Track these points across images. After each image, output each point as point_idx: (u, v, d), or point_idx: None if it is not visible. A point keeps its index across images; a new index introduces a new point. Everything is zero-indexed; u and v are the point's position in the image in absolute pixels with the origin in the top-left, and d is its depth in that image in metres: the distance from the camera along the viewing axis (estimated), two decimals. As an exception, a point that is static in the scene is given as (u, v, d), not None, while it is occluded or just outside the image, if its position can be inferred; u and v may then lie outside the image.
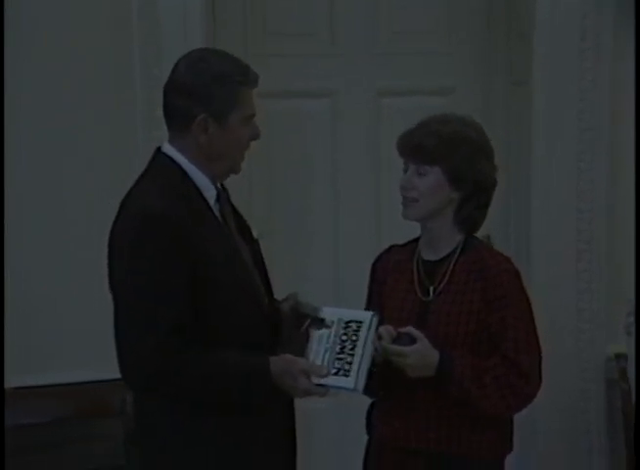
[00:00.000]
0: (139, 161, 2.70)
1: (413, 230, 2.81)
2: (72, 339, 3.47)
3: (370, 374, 2.49)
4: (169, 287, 2.37)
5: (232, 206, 2.66)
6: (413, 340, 2.55)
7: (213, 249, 2.44)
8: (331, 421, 3.97)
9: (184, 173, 2.50)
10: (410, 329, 2.57)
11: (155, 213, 2.39)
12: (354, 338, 2.47)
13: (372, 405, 2.84)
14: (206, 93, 2.44)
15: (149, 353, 2.36)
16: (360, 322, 2.49)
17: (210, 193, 2.53)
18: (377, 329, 2.51)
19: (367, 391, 2.71)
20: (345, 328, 2.50)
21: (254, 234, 2.70)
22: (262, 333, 2.52)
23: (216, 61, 2.50)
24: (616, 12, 3.64)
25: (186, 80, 2.47)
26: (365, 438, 2.85)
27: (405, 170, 2.70)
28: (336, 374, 2.44)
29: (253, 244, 2.66)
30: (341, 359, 2.45)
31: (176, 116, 2.50)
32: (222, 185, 2.64)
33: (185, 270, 2.39)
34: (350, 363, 2.44)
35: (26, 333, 3.46)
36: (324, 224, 3.99)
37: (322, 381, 2.42)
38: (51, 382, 3.46)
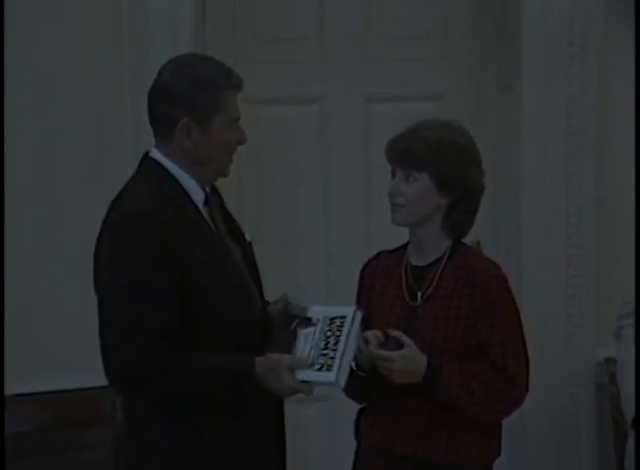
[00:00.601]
0: (132, 163, 2.71)
1: (404, 234, 2.80)
2: (65, 345, 3.48)
3: (353, 370, 2.50)
4: (157, 288, 2.37)
5: (223, 208, 2.66)
6: (400, 345, 2.56)
7: (203, 252, 2.44)
8: (320, 427, 3.95)
9: (171, 177, 2.50)
10: (399, 333, 2.57)
11: (142, 215, 2.39)
12: (338, 333, 2.46)
13: (360, 411, 2.83)
14: (188, 98, 2.45)
15: (134, 354, 2.35)
16: (344, 318, 2.48)
17: (198, 196, 2.53)
18: (361, 323, 2.49)
19: (355, 396, 2.74)
20: (330, 325, 2.49)
21: (247, 237, 2.71)
22: (254, 336, 2.52)
23: (199, 65, 2.50)
24: (604, 17, 3.65)
25: (168, 85, 2.48)
26: (354, 444, 2.84)
27: (393, 176, 2.71)
28: (319, 370, 2.42)
29: (245, 246, 2.66)
30: (324, 355, 2.44)
31: (160, 121, 2.51)
32: (215, 189, 2.65)
33: (173, 272, 2.39)
34: (333, 358, 2.42)
35: (17, 340, 3.45)
36: (314, 229, 3.98)
37: (305, 376, 2.40)
38: (43, 389, 3.46)
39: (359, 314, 2.49)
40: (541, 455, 3.78)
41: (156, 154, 2.53)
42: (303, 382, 2.41)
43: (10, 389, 3.37)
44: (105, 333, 2.44)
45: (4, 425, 2.97)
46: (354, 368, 2.52)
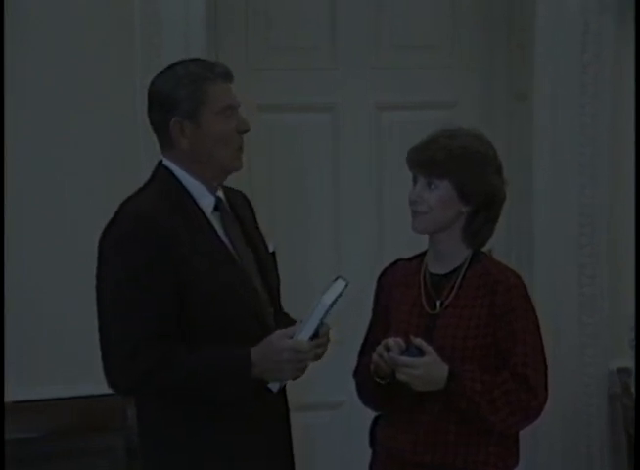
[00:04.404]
0: (142, 170, 2.71)
1: (414, 240, 2.79)
2: (74, 352, 3.45)
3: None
4: (150, 290, 2.38)
5: (239, 216, 2.66)
6: (422, 352, 2.55)
7: (201, 258, 2.44)
8: (333, 435, 3.95)
9: (179, 183, 2.52)
10: (420, 341, 2.56)
11: (142, 217, 2.42)
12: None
13: (375, 419, 2.82)
14: (173, 97, 2.50)
15: (128, 359, 2.37)
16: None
17: (207, 201, 2.55)
18: (340, 294, 2.45)
19: (373, 404, 2.75)
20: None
21: (270, 247, 2.72)
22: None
23: (180, 66, 2.56)
24: (616, 25, 3.66)
25: (153, 92, 2.55)
26: (368, 452, 2.83)
27: (414, 184, 2.70)
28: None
29: (262, 255, 2.65)
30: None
31: (158, 128, 2.56)
32: (246, 198, 2.72)
33: (168, 277, 2.40)
34: None
35: (27, 346, 3.45)
36: (325, 235, 3.98)
37: None
38: (53, 396, 3.45)
39: (341, 284, 2.46)
40: (553, 464, 3.79)
41: (166, 161, 2.56)
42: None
43: (18, 395, 3.37)
44: (101, 337, 2.46)
45: (4, 431, 2.96)
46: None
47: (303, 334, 2.41)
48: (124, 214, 2.47)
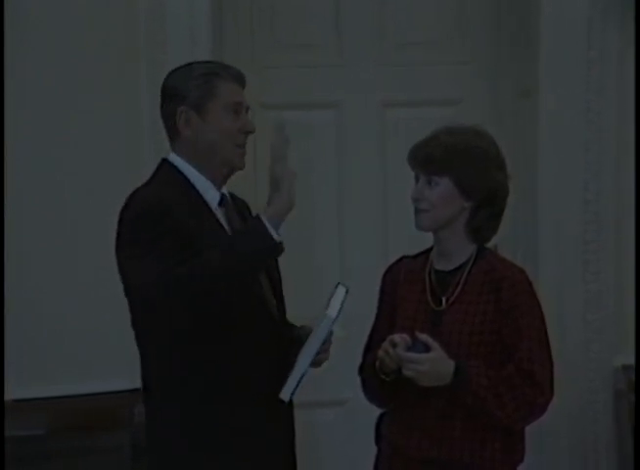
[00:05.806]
0: (145, 169, 2.72)
1: (419, 238, 2.80)
2: (74, 352, 3.45)
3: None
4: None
5: (242, 212, 2.68)
6: (428, 348, 2.55)
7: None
8: (338, 432, 3.95)
9: (184, 177, 2.55)
10: (426, 337, 2.56)
11: (154, 202, 2.42)
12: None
13: (381, 416, 2.82)
14: (184, 89, 2.54)
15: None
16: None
17: (211, 195, 2.56)
18: (343, 301, 2.48)
19: (379, 401, 2.74)
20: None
21: None
22: (267, 341, 2.52)
23: (197, 63, 2.62)
24: (622, 23, 3.65)
25: (167, 86, 2.59)
26: (373, 449, 2.83)
27: (416, 182, 2.70)
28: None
29: None
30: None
31: (166, 119, 2.58)
32: (246, 204, 2.74)
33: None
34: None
35: (27, 346, 3.45)
36: (330, 232, 3.99)
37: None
38: (59, 394, 3.45)
39: (341, 291, 2.49)
40: (559, 461, 3.79)
41: (171, 156, 2.59)
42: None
43: (18, 395, 3.38)
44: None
45: (4, 429, 2.96)
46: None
47: (308, 352, 2.44)
48: (137, 200, 2.47)
